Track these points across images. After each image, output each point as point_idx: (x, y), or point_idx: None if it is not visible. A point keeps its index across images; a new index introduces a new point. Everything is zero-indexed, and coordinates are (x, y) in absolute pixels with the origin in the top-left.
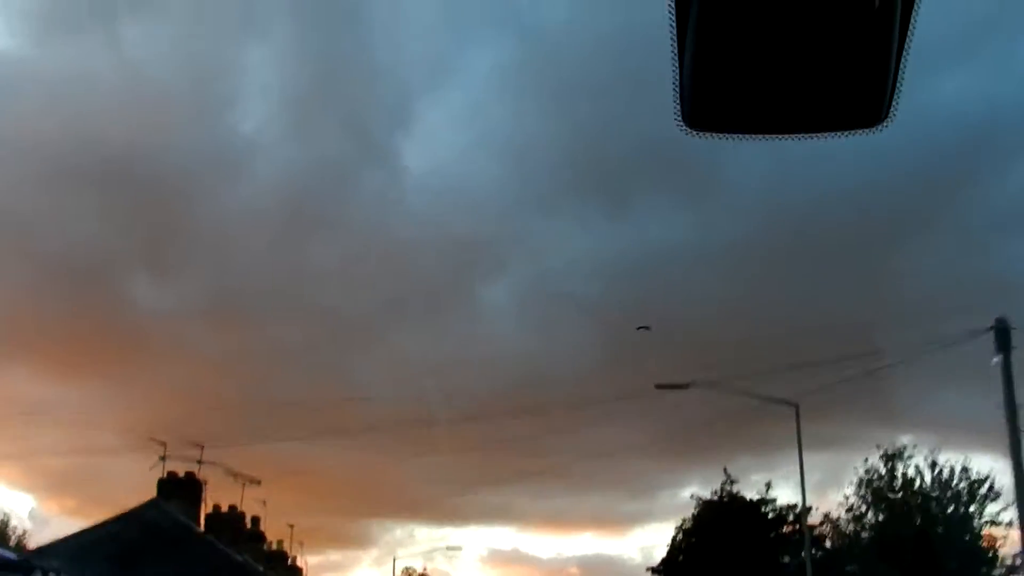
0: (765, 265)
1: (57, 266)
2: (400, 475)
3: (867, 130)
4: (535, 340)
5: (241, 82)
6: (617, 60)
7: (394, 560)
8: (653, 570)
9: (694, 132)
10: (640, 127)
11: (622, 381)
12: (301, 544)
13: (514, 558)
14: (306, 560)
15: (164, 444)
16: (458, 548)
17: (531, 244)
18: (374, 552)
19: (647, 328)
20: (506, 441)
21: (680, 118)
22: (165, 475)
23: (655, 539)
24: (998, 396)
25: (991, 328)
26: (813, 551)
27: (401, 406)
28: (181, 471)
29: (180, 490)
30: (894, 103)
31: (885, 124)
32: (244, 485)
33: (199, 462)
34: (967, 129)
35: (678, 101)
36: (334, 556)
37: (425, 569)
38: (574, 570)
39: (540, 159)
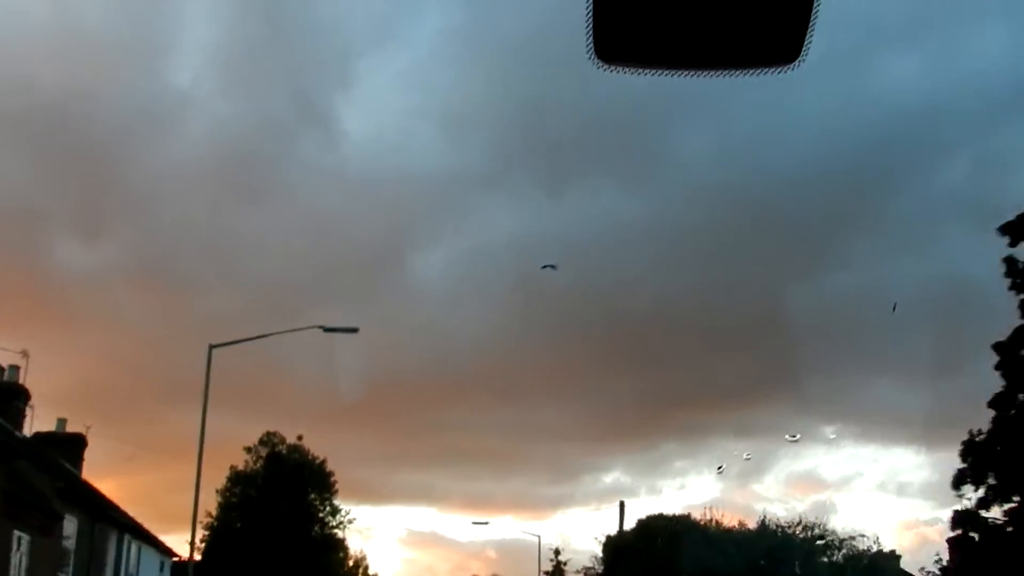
0: (700, 247)
1: None
2: (319, 452)
3: (781, 68)
4: (464, 316)
5: (177, 34)
6: (564, 30)
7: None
8: None
9: (606, 66)
10: (584, 103)
11: (550, 363)
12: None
13: (432, 540)
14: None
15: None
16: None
17: (466, 216)
18: None
19: (553, 267)
20: (429, 420)
21: (592, 50)
22: None
23: (575, 523)
24: None
25: None
26: None
27: (322, 381)
28: None
29: None
30: (807, 42)
31: (798, 63)
32: None
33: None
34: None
35: (590, 32)
36: None
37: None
38: (491, 553)
39: (481, 129)
